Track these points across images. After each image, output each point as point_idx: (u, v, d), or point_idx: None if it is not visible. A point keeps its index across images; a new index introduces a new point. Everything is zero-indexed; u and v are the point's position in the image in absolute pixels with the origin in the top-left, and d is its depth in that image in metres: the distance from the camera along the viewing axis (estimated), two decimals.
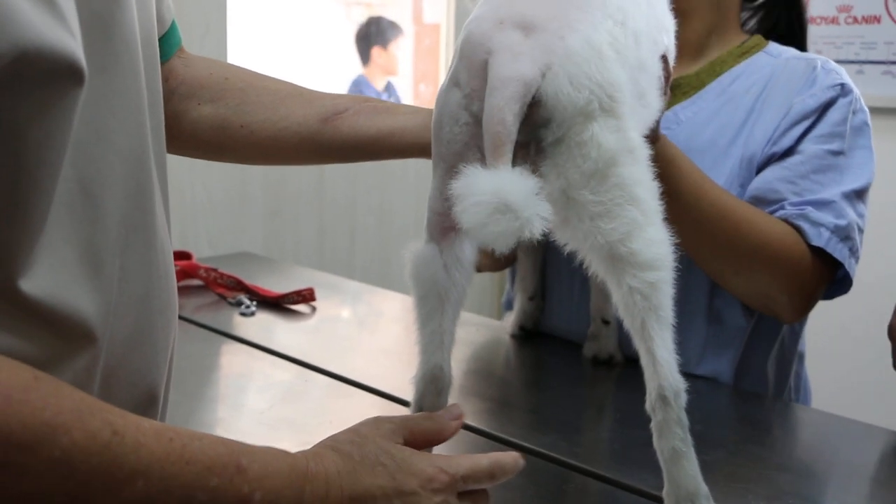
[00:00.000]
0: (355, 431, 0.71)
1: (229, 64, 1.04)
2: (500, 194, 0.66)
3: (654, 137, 1.03)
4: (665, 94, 0.98)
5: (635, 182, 0.76)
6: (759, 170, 1.21)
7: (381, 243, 2.54)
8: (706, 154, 1.22)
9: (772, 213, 1.17)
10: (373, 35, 4.38)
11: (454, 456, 0.72)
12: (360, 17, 4.60)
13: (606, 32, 0.77)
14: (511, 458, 0.75)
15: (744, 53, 1.31)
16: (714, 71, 1.29)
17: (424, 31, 4.33)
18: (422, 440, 0.74)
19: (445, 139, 0.77)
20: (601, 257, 0.77)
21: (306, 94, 1.01)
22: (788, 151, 1.20)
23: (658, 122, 1.03)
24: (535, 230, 0.67)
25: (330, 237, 2.45)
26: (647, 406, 0.77)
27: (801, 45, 1.35)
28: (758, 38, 1.33)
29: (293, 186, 2.37)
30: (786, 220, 1.15)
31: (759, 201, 1.18)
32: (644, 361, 0.77)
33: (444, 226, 0.79)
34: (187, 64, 1.01)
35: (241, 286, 1.57)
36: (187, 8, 2.06)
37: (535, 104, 0.73)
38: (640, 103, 0.83)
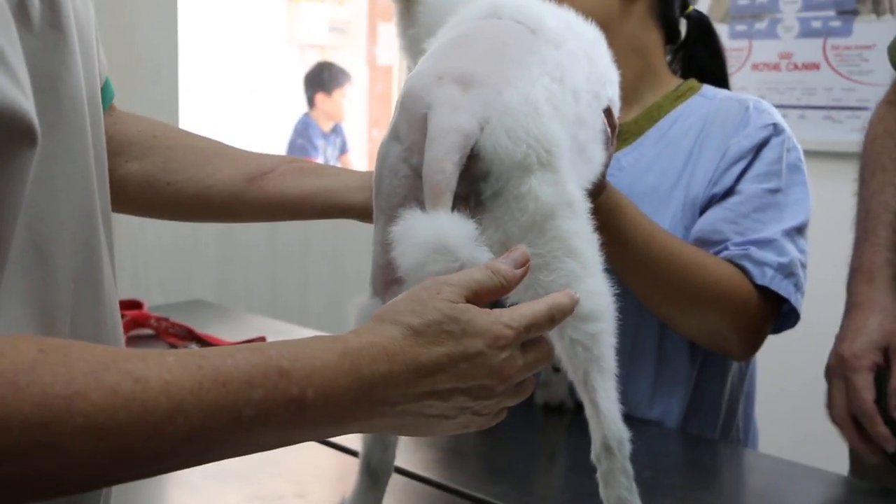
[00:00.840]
0: (415, 299, 0.67)
1: (158, 121, 1.05)
2: (439, 236, 0.68)
3: (599, 188, 1.06)
4: (611, 145, 1.00)
5: (573, 234, 0.77)
6: (702, 211, 1.24)
7: (335, 289, 2.53)
8: (649, 199, 1.23)
9: (716, 253, 1.19)
10: (322, 80, 4.41)
11: (515, 308, 0.70)
12: (313, 59, 4.64)
13: (544, 88, 0.78)
14: (567, 296, 0.73)
15: (679, 97, 1.32)
16: (652, 116, 1.31)
17: (377, 74, 4.36)
18: (486, 297, 0.70)
19: (385, 192, 0.78)
20: None
21: (232, 153, 1.02)
22: (728, 192, 1.22)
23: (604, 174, 1.05)
24: None
25: (283, 283, 2.44)
26: (593, 456, 0.78)
27: (723, 83, 1.37)
28: (692, 81, 1.35)
29: (245, 232, 2.36)
30: (730, 261, 1.17)
31: (704, 242, 1.20)
32: (588, 412, 0.78)
33: (387, 279, 0.79)
34: (116, 121, 1.02)
35: (191, 335, 1.56)
36: (137, 54, 2.06)
37: (474, 157, 0.74)
38: (581, 158, 0.85)
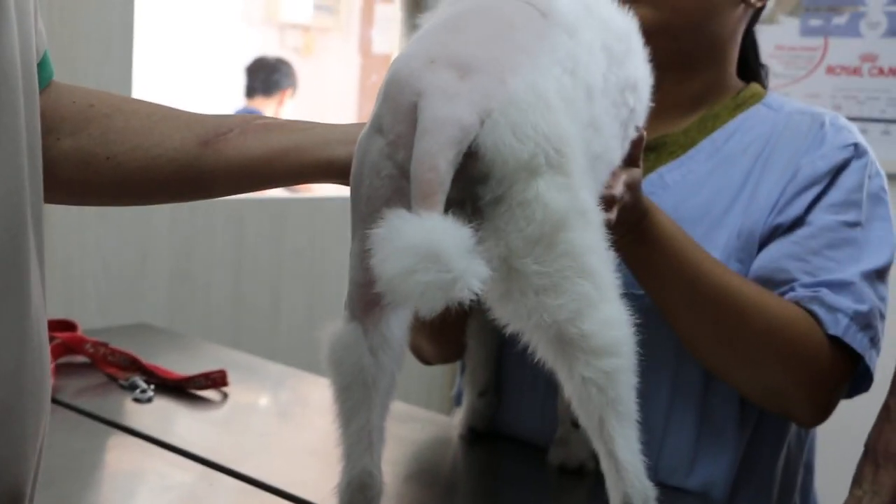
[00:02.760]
0: None
1: (98, 91, 1.05)
2: (430, 242, 0.68)
3: (638, 215, 1.08)
4: (633, 164, 1.02)
5: (587, 250, 0.78)
6: (763, 244, 1.24)
7: (310, 317, 2.53)
8: (697, 224, 1.24)
9: (780, 295, 1.19)
10: (263, 80, 4.46)
11: None
12: (293, 42, 4.68)
13: (554, 80, 0.80)
14: None
15: (739, 106, 1.34)
16: (705, 127, 1.32)
17: (372, 63, 4.39)
18: None
19: (365, 194, 0.80)
20: (548, 340, 0.79)
21: (184, 116, 1.02)
22: (797, 223, 1.22)
23: (638, 199, 1.07)
24: (469, 288, 0.68)
25: (248, 308, 2.44)
26: None
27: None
28: (755, 87, 1.37)
29: (205, 244, 2.36)
30: (797, 304, 1.17)
31: (765, 281, 1.20)
32: (605, 466, 0.79)
33: (367, 300, 0.81)
34: (48, 96, 1.02)
35: (136, 365, 1.56)
36: (84, 28, 2.06)
37: (472, 156, 0.76)
38: (591, 173, 0.86)
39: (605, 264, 0.80)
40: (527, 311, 0.77)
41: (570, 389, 0.79)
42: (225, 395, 1.52)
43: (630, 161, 1.04)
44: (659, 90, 1.11)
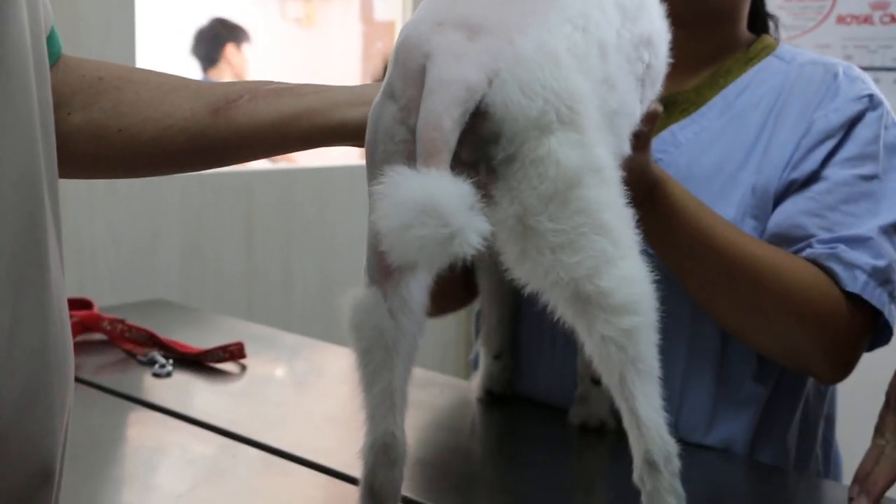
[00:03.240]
0: None
1: (105, 62, 1.05)
2: (429, 195, 0.68)
3: (647, 185, 1.09)
4: (646, 126, 1.02)
5: (603, 206, 0.78)
6: (778, 200, 1.23)
7: (323, 287, 2.54)
8: (710, 182, 1.24)
9: (796, 252, 1.19)
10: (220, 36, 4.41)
11: None
12: (293, 13, 4.64)
13: (564, 38, 0.80)
14: None
15: (750, 60, 1.32)
16: (717, 83, 1.31)
17: (375, 30, 4.35)
18: None
19: (380, 160, 0.80)
20: (566, 298, 0.79)
21: (193, 85, 1.03)
22: (812, 177, 1.22)
23: (646, 164, 1.07)
24: (468, 245, 0.68)
25: (261, 280, 2.46)
26: (635, 477, 0.79)
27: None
28: (766, 39, 1.35)
29: (215, 218, 2.37)
30: (814, 262, 1.17)
31: (781, 239, 1.20)
32: (627, 423, 0.79)
33: (384, 264, 0.81)
34: (57, 71, 1.02)
35: (154, 341, 1.57)
36: (84, 5, 2.07)
37: (482, 116, 0.77)
38: (610, 130, 0.86)
39: (622, 221, 0.80)
40: (544, 270, 0.77)
41: (590, 348, 0.79)
42: (243, 367, 1.53)
43: (641, 138, 1.04)
44: (673, 47, 1.10)
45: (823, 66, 1.29)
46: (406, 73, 0.79)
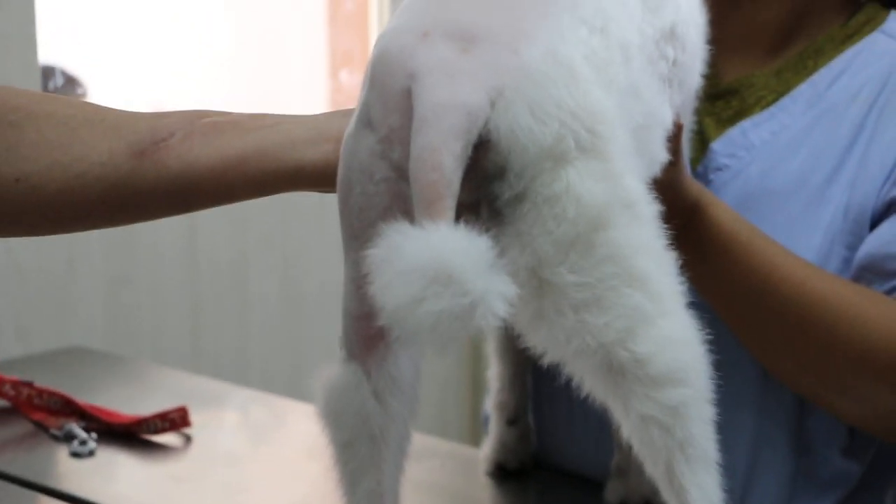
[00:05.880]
0: None
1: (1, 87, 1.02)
2: (439, 260, 0.66)
3: (688, 209, 1.07)
4: (678, 139, 1.00)
5: (636, 251, 0.76)
6: (876, 222, 1.17)
7: (289, 322, 2.52)
8: (791, 200, 1.18)
9: (890, 291, 1.13)
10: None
11: None
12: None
13: (580, 43, 0.78)
14: None
15: (850, 36, 1.23)
16: (804, 66, 1.23)
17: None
18: None
19: (357, 206, 0.79)
20: (594, 369, 0.77)
21: (111, 117, 0.98)
22: None
23: (684, 186, 1.05)
24: (493, 314, 0.67)
25: (210, 319, 2.41)
26: None
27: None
28: (873, 8, 1.25)
29: (149, 243, 2.30)
30: None
31: (871, 272, 1.15)
32: None
33: (367, 335, 0.80)
34: None
35: (71, 408, 1.49)
36: None
37: (484, 146, 0.74)
38: (636, 149, 0.83)
39: (661, 267, 0.78)
40: (565, 335, 0.75)
41: (627, 430, 0.78)
42: (187, 440, 1.46)
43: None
44: (733, 16, 1.12)
45: None
46: (386, 96, 0.76)
